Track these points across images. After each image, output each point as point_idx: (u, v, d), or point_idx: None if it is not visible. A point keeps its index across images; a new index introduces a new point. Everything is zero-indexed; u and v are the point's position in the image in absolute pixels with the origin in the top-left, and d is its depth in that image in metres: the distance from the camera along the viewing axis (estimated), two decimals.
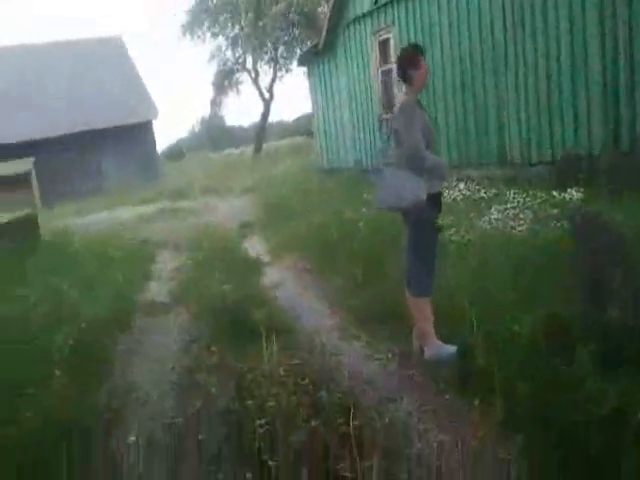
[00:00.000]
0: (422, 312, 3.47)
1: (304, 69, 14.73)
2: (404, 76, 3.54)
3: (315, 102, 13.79)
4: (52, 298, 6.12)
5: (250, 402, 3.13)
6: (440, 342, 3.48)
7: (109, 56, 24.68)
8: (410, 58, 3.53)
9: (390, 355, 3.77)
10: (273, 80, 27.80)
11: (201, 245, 8.17)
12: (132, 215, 12.86)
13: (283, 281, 6.09)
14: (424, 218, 3.42)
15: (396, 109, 3.57)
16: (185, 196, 15.49)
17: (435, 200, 3.45)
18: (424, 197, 3.32)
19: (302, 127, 43.91)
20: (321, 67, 13.32)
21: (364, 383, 3.40)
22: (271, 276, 6.41)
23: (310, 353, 3.81)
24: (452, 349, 3.40)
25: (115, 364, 4.55)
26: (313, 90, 13.97)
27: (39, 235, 9.38)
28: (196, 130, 48.78)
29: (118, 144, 22.14)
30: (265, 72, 28.00)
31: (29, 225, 9.33)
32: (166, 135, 75.30)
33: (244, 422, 2.93)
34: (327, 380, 3.29)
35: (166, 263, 8.17)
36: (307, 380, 3.26)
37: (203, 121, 47.62)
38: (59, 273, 7.06)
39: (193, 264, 7.19)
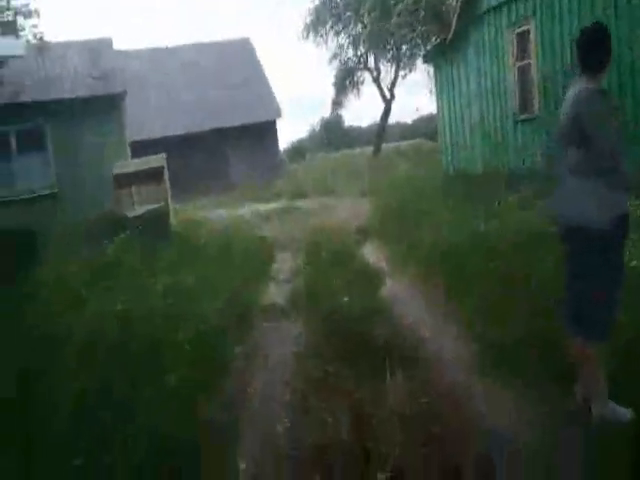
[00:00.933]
0: (592, 361, 2.80)
1: (427, 68, 14.03)
2: (590, 62, 2.88)
3: (441, 101, 13.06)
4: (177, 292, 6.22)
5: (371, 444, 2.73)
6: (612, 402, 2.79)
7: (238, 57, 25.67)
8: (600, 40, 2.89)
9: (545, 408, 3.04)
10: (395, 79, 27.29)
11: (318, 248, 7.93)
12: (253, 212, 13.10)
13: (406, 296, 5.62)
14: (610, 241, 2.76)
15: (575, 103, 2.85)
16: (304, 196, 15.53)
17: (623, 219, 2.78)
18: (614, 215, 2.69)
19: (421, 129, 42.92)
20: (449, 64, 12.58)
21: (509, 442, 2.76)
22: (392, 289, 5.95)
23: (441, 391, 3.29)
24: (626, 413, 2.72)
25: (231, 369, 4.41)
26: (439, 89, 13.25)
27: (170, 228, 9.77)
28: (316, 130, 49.40)
29: (243, 143, 22.93)
30: (387, 71, 27.58)
31: (161, 218, 9.77)
32: (287, 135, 77.66)
33: (364, 471, 2.53)
34: (463, 432, 2.77)
35: (283, 263, 8.05)
36: (438, 428, 2.77)
37: (323, 122, 48.16)
38: (185, 266, 7.22)
39: (311, 268, 6.95)
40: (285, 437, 3.16)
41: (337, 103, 29.55)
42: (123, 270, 7.30)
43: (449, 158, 12.68)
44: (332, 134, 44.38)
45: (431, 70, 26.64)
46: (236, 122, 22.60)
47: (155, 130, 21.26)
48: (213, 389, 3.90)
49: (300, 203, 14.05)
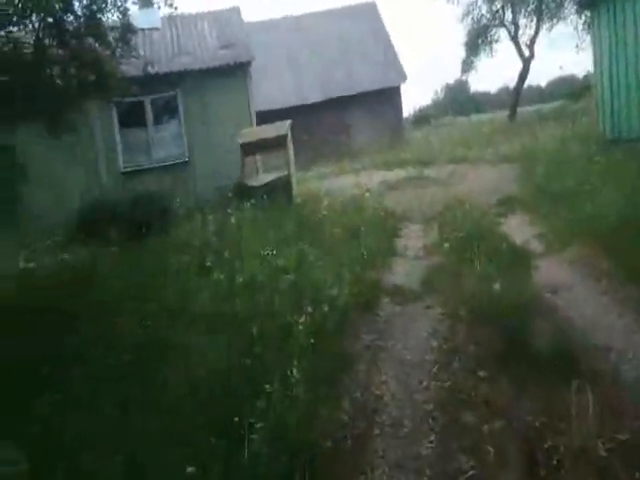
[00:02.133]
0: None
1: (573, 20, 11.99)
2: None
3: (598, 56, 11.17)
4: (297, 267, 5.81)
5: None
6: None
7: (363, 23, 24.66)
8: None
9: None
10: (535, 34, 24.53)
11: (454, 223, 7.07)
12: (377, 181, 12.39)
13: (568, 283, 4.64)
14: None
15: None
16: (432, 163, 14.47)
17: None
18: None
19: (557, 91, 38.82)
20: (612, 11, 10.64)
21: None
22: (548, 273, 4.98)
23: None
24: None
25: (358, 363, 3.86)
26: (597, 41, 11.33)
27: (292, 197, 9.45)
28: (440, 97, 47.45)
29: (366, 109, 22.14)
30: (526, 26, 24.87)
31: (284, 187, 9.46)
32: (410, 101, 74.88)
33: None
34: None
35: (413, 240, 7.32)
36: None
37: (447, 87, 46.25)
38: (305, 239, 6.80)
39: (447, 246, 6.14)
40: (429, 463, 2.53)
41: (468, 64, 27.37)
42: (245, 242, 7.05)
43: (608, 121, 10.85)
44: (458, 100, 42.33)
45: (580, 22, 23.71)
46: (360, 89, 21.81)
47: (280, 100, 21.20)
48: (336, 388, 3.37)
49: (428, 171, 13.07)
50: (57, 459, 2.69)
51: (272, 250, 6.35)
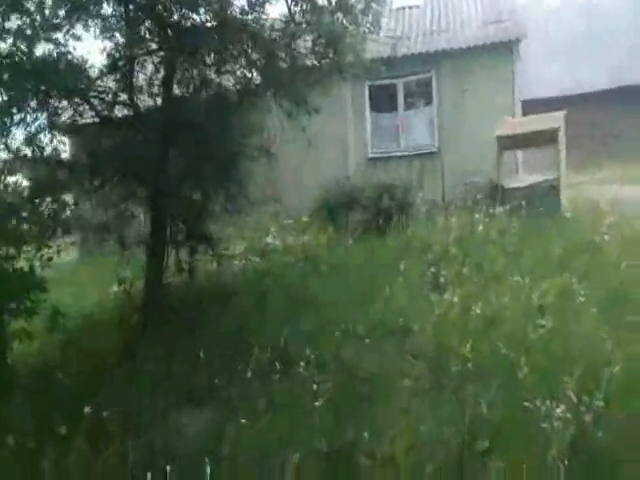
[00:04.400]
0: None
1: None
2: None
3: None
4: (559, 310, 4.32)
5: None
6: None
7: None
8: None
9: None
10: None
11: None
12: None
13: None
14: None
15: None
16: None
17: None
18: None
19: None
20: None
21: None
22: None
23: None
24: None
25: None
26: None
27: (560, 207, 7.54)
28: None
29: None
30: None
31: (550, 193, 7.72)
32: None
33: None
34: None
35: None
36: None
37: None
38: (574, 269, 5.07)
39: None
40: None
41: None
42: (491, 258, 5.72)
43: None
44: None
45: None
46: None
47: (552, 86, 18.48)
48: None
49: None
50: None
51: (525, 277, 4.93)
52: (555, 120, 7.48)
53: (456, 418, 3.05)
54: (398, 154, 10.39)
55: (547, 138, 7.55)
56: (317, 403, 3.30)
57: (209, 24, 5.02)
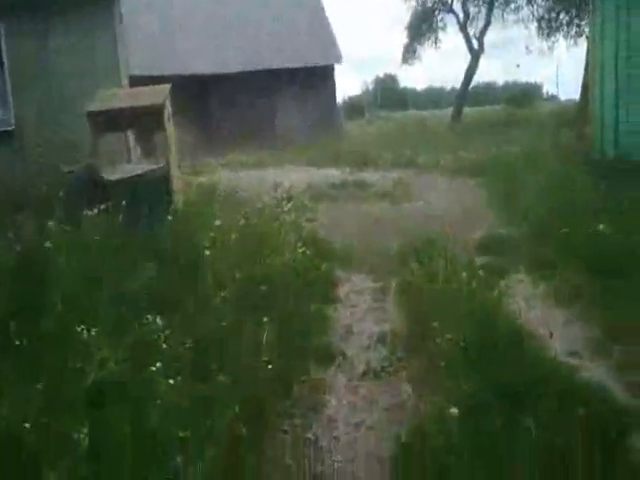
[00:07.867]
0: None
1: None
2: None
3: (600, 46, 8.65)
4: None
5: None
6: None
7: None
8: None
9: None
10: (486, 26, 22.51)
11: (430, 291, 4.11)
12: (303, 182, 9.27)
13: None
14: None
15: None
16: (371, 164, 11.57)
17: None
18: None
19: (490, 95, 38.71)
20: None
21: None
22: None
23: None
24: None
25: None
26: (598, 28, 8.79)
27: (168, 202, 6.07)
28: (369, 89, 47.19)
29: (295, 89, 18.94)
30: (476, 13, 22.83)
31: (159, 185, 6.08)
32: (341, 90, 71.77)
33: None
34: None
35: (360, 320, 4.19)
36: None
37: (377, 80, 46.77)
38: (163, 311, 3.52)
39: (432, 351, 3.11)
40: None
41: (410, 52, 24.67)
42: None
43: (607, 135, 8.35)
44: (385, 94, 42.15)
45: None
46: (287, 63, 18.53)
47: (198, 65, 17.53)
48: None
49: (368, 176, 10.14)
50: None
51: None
52: (158, 94, 5.80)
53: None
54: None
55: (149, 117, 5.82)
56: None
57: None
